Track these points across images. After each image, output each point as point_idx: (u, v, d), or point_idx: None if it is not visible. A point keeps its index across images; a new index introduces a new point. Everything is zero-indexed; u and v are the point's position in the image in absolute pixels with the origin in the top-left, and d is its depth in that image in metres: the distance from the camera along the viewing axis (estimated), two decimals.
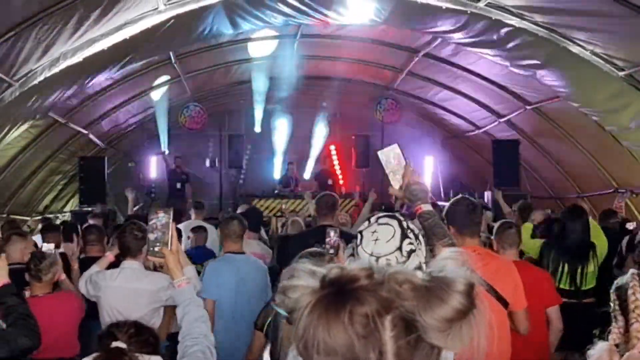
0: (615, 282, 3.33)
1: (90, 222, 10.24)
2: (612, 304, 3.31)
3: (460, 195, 5.04)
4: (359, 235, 2.86)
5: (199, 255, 8.53)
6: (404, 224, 2.86)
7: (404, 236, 2.80)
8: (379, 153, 3.47)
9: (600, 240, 7.42)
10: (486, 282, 4.32)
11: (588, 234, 7.20)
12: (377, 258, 2.75)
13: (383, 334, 1.30)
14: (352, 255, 2.92)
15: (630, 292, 3.18)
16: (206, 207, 12.70)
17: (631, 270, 3.37)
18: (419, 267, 2.77)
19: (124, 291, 5.66)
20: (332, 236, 4.99)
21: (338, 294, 1.33)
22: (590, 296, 7.09)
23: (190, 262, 8.68)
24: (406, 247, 2.78)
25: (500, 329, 4.21)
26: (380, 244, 2.78)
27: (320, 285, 1.36)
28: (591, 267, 7.07)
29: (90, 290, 5.84)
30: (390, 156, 3.41)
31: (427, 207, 3.23)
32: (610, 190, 12.52)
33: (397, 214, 2.96)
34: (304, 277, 1.39)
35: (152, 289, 5.69)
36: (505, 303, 4.40)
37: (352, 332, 1.29)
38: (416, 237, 2.86)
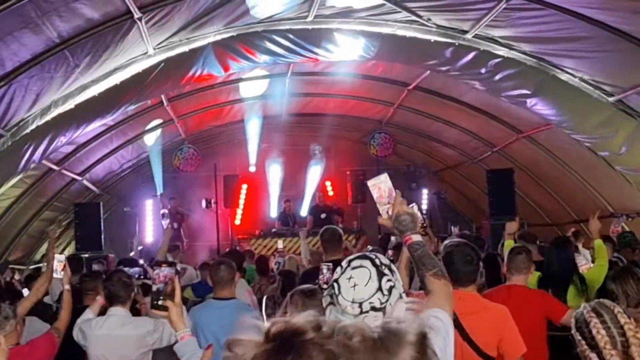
0: (572, 321, 3.39)
1: (95, 267, 10.26)
2: (578, 345, 3.35)
3: (456, 241, 4.96)
4: (335, 285, 2.80)
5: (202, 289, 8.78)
6: (377, 261, 2.81)
7: (381, 275, 2.75)
8: (369, 183, 3.44)
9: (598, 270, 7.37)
10: (467, 334, 4.29)
11: (572, 266, 7.18)
12: (360, 304, 2.68)
13: None
14: (332, 303, 2.85)
15: (594, 331, 3.30)
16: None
17: (583, 305, 3.43)
18: (400, 298, 2.75)
19: (110, 339, 5.59)
20: (325, 273, 4.95)
21: (281, 348, 1.28)
22: None
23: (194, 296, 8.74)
24: (385, 285, 2.73)
25: None
26: (360, 289, 2.71)
27: (264, 339, 1.30)
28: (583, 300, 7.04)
29: (80, 339, 5.79)
30: (380, 186, 3.39)
31: (416, 238, 3.17)
32: (607, 215, 12.49)
33: (367, 253, 2.93)
34: (248, 332, 1.34)
35: (139, 334, 5.63)
36: (480, 353, 4.34)
37: None
38: (391, 271, 2.82)
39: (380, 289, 2.71)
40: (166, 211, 18.02)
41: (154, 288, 3.58)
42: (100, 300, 6.13)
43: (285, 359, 1.25)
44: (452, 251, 4.70)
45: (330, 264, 5.45)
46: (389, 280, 2.76)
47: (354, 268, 2.80)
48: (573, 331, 3.44)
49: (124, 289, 5.76)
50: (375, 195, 3.36)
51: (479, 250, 5.30)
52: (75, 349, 6.23)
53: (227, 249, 14.96)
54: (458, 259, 4.63)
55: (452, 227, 15.03)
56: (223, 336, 6.20)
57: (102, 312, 6.04)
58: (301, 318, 1.33)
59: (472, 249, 4.78)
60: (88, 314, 6.01)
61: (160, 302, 3.56)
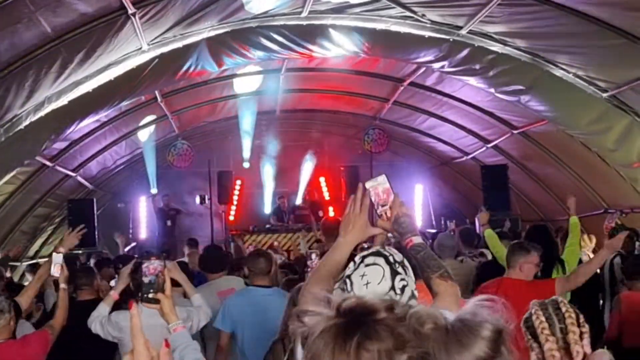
0: (523, 317, 3.46)
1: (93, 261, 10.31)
2: (525, 336, 3.42)
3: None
4: (347, 281, 2.77)
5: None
6: (391, 258, 2.78)
7: (395, 273, 2.72)
8: (366, 185, 3.37)
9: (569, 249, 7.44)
10: None
11: (552, 250, 7.22)
12: None
13: None
14: None
15: (534, 317, 3.41)
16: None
17: (533, 302, 3.51)
18: (412, 297, 2.73)
19: (149, 329, 5.61)
20: (314, 259, 4.97)
21: (350, 324, 1.27)
22: None
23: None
24: (398, 285, 2.70)
25: None
26: (372, 287, 2.68)
27: (335, 314, 1.30)
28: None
29: (111, 331, 5.85)
30: (378, 187, 3.33)
31: (417, 240, 3.09)
32: (600, 211, 12.52)
33: (380, 249, 2.89)
34: (319, 304, 1.33)
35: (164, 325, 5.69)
36: None
37: None
38: (404, 268, 2.79)
39: (393, 287, 2.68)
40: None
41: (145, 281, 3.57)
42: (114, 294, 6.15)
43: (353, 336, 1.25)
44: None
45: (317, 250, 5.50)
46: (402, 279, 2.73)
47: (367, 265, 2.76)
48: (521, 324, 3.50)
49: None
50: (373, 197, 3.31)
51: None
52: (71, 347, 6.25)
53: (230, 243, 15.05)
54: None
55: (448, 223, 15.03)
56: (262, 321, 6.28)
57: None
58: (374, 297, 1.33)
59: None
60: (104, 308, 6.03)
61: (151, 295, 3.55)
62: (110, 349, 6.31)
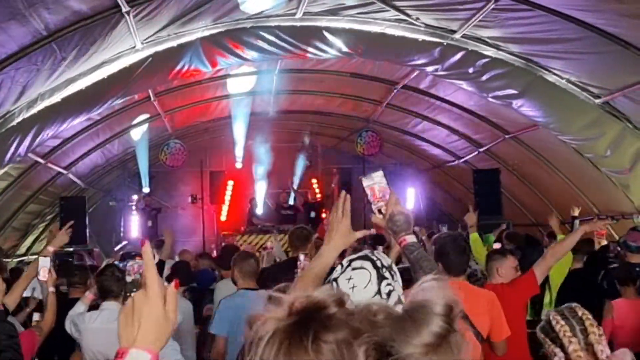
0: (538, 326, 3.51)
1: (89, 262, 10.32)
2: (544, 344, 3.47)
3: (448, 232, 5.04)
4: (334, 284, 2.76)
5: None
6: (378, 263, 2.75)
7: (381, 278, 2.70)
8: (363, 182, 3.33)
9: (559, 269, 7.43)
10: (469, 320, 4.33)
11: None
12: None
13: None
14: None
15: (553, 322, 3.47)
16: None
17: (546, 311, 3.57)
18: (399, 302, 2.72)
19: (103, 332, 5.58)
20: (303, 260, 4.99)
21: (303, 322, 1.27)
22: None
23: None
24: (384, 289, 2.68)
25: None
26: (358, 292, 2.64)
27: (287, 314, 1.29)
28: (546, 298, 7.11)
29: (73, 331, 5.83)
30: (374, 184, 3.31)
31: (411, 239, 3.11)
32: (591, 217, 12.55)
33: (368, 253, 2.88)
34: (270, 307, 1.32)
35: None
36: (481, 338, 4.41)
37: None
38: (391, 273, 2.77)
39: (379, 292, 2.66)
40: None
41: (129, 280, 3.57)
42: (89, 295, 6.14)
43: (308, 333, 1.25)
44: (446, 243, 4.78)
45: (307, 253, 5.49)
46: (388, 284, 2.70)
47: (354, 269, 2.74)
48: (538, 333, 3.54)
49: (116, 283, 5.73)
50: (369, 193, 3.29)
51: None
52: (64, 345, 6.25)
53: (222, 244, 15.01)
54: (452, 249, 4.71)
55: (441, 227, 15.03)
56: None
57: (94, 307, 6.07)
58: (322, 293, 1.32)
59: (465, 240, 4.87)
60: (79, 306, 6.04)
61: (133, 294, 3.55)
62: None
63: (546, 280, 7.14)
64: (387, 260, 2.81)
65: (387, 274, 2.73)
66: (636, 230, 9.43)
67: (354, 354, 1.23)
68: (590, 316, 3.48)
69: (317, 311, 1.28)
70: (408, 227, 3.15)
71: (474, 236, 8.04)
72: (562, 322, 3.45)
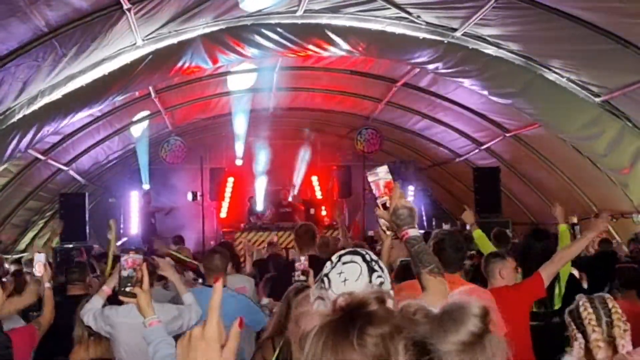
0: (567, 309, 3.54)
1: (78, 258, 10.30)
2: (569, 327, 3.51)
3: (447, 230, 5.06)
4: (325, 279, 2.79)
5: None
6: (367, 257, 2.80)
7: (371, 270, 2.74)
8: (368, 177, 3.34)
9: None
10: None
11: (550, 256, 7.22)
12: None
13: (396, 358, 1.29)
14: (320, 298, 2.82)
15: (581, 309, 3.54)
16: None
17: (579, 295, 3.59)
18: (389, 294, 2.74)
19: (139, 326, 5.62)
20: (302, 261, 5.02)
21: (347, 317, 1.33)
22: (557, 317, 7.06)
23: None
24: (376, 281, 2.72)
25: None
26: (350, 284, 2.69)
27: (332, 311, 1.36)
28: (556, 290, 7.08)
29: (103, 326, 5.82)
30: (379, 180, 3.31)
31: (414, 233, 3.07)
32: (591, 216, 12.55)
33: (357, 249, 2.91)
34: (314, 304, 1.42)
35: (166, 320, 5.68)
36: None
37: (362, 354, 1.29)
38: (380, 267, 2.82)
39: (370, 284, 2.71)
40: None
41: (124, 274, 3.57)
42: (106, 289, 6.12)
43: (354, 325, 1.31)
44: (444, 239, 4.79)
45: (306, 255, 5.53)
46: (379, 276, 2.75)
47: (344, 263, 2.78)
48: (566, 316, 3.58)
49: (149, 276, 5.76)
50: (374, 188, 3.30)
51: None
52: (63, 342, 6.25)
53: (220, 241, 15.02)
54: (449, 245, 4.73)
55: (444, 225, 15.05)
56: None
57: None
58: (365, 291, 1.39)
59: (462, 236, 4.88)
60: (98, 301, 5.99)
61: (128, 289, 3.55)
62: None
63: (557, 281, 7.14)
64: (375, 256, 2.86)
65: (376, 267, 2.78)
66: None
67: (395, 348, 1.29)
68: (619, 310, 3.53)
69: (361, 308, 1.35)
70: (412, 220, 3.15)
71: (478, 233, 8.01)
72: (590, 310, 3.52)
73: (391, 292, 2.79)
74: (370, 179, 3.28)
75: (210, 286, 6.44)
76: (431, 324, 1.33)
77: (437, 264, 3.05)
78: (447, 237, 4.87)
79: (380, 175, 3.27)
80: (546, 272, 6.00)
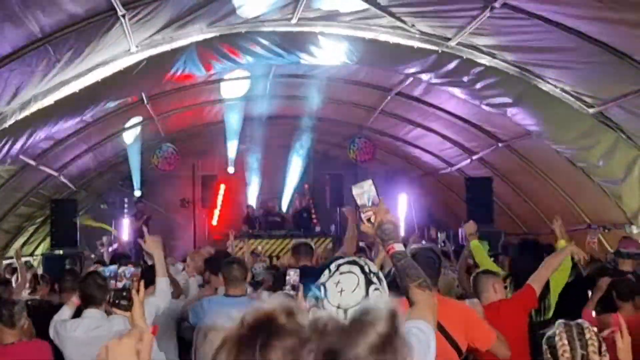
0: (546, 335, 3.51)
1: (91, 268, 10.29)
2: (544, 354, 3.47)
3: (420, 245, 5.04)
4: (322, 288, 2.76)
5: None
6: (366, 268, 2.77)
7: (369, 282, 2.72)
8: (353, 190, 3.35)
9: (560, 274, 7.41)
10: (444, 329, 4.32)
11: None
12: (345, 310, 2.65)
13: None
14: (315, 306, 2.80)
15: (557, 338, 3.52)
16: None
17: (558, 322, 3.55)
18: None
19: (85, 340, 5.54)
20: (292, 275, 5.03)
21: (253, 331, 1.33)
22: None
23: None
24: (372, 294, 2.70)
25: None
26: (347, 295, 2.68)
27: (239, 325, 1.35)
28: (546, 301, 7.08)
29: (55, 338, 5.76)
30: (363, 193, 3.32)
31: (399, 247, 3.11)
32: (583, 227, 12.55)
33: (356, 259, 2.88)
34: (225, 322, 1.38)
35: (114, 334, 5.61)
36: (456, 347, 4.39)
37: None
38: (378, 279, 2.79)
39: (367, 296, 2.68)
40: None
41: (119, 286, 3.53)
42: (75, 300, 6.07)
43: (257, 341, 1.30)
44: (416, 254, 4.75)
45: (297, 268, 5.54)
46: (376, 289, 2.72)
47: (342, 273, 2.75)
48: (543, 341, 3.55)
49: (99, 290, 5.69)
50: (358, 201, 3.30)
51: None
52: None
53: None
54: (422, 261, 4.69)
55: (439, 234, 15.00)
56: None
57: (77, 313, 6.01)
58: (273, 302, 1.38)
59: (435, 252, 4.87)
60: (65, 312, 5.95)
61: (123, 302, 3.50)
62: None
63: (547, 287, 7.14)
64: (374, 267, 2.84)
65: (374, 279, 2.76)
66: (628, 238, 9.43)
67: (304, 358, 1.29)
68: (597, 342, 3.47)
69: (267, 321, 1.34)
70: (397, 235, 3.16)
71: (474, 244, 8.01)
72: (565, 341, 3.47)
73: (390, 302, 2.75)
74: (354, 192, 3.29)
75: (229, 296, 6.41)
76: (340, 332, 1.32)
77: (426, 278, 3.04)
78: (419, 252, 4.84)
79: (365, 188, 3.28)
80: (537, 283, 6.03)
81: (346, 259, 2.87)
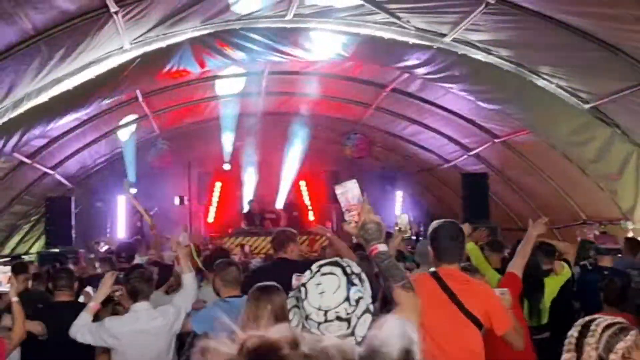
0: (581, 321, 3.38)
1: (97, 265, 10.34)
2: (569, 338, 3.32)
3: (446, 220, 4.89)
4: (302, 289, 2.73)
5: None
6: (348, 269, 2.73)
7: (350, 284, 2.67)
8: (336, 190, 3.31)
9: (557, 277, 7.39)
10: (462, 304, 4.28)
11: (537, 271, 7.16)
12: (326, 312, 2.61)
13: None
14: (296, 307, 2.77)
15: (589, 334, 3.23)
16: None
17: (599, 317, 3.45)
18: (367, 311, 2.68)
19: (144, 333, 5.77)
20: (297, 276, 5.01)
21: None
22: (546, 331, 7.05)
23: None
24: (354, 296, 2.65)
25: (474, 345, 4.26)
26: (327, 297, 2.63)
27: (238, 353, 1.25)
28: (541, 305, 7.07)
29: (105, 338, 5.79)
30: (347, 192, 3.29)
31: (382, 248, 3.08)
32: (579, 222, 12.56)
33: (338, 260, 2.84)
34: (223, 341, 1.28)
35: (168, 322, 5.89)
36: (479, 324, 4.35)
37: None
38: (361, 280, 2.75)
39: (348, 299, 2.63)
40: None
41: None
42: (94, 305, 6.03)
43: None
44: (438, 228, 4.67)
45: (302, 275, 5.51)
46: (358, 290, 2.68)
47: (323, 274, 2.71)
48: (577, 324, 3.44)
49: (147, 283, 5.98)
50: (342, 201, 3.27)
51: None
52: (48, 346, 6.19)
53: (210, 248, 14.92)
54: (444, 235, 4.60)
55: None
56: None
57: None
58: (277, 332, 1.28)
59: (458, 227, 4.75)
60: (86, 317, 5.91)
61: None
62: (89, 348, 6.18)
63: (541, 285, 7.12)
64: (357, 268, 2.80)
65: (356, 281, 2.72)
66: (605, 233, 9.42)
67: None
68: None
69: (269, 352, 1.24)
70: (379, 236, 3.13)
71: (470, 245, 7.97)
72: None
73: (370, 306, 2.72)
74: (338, 191, 3.26)
75: (226, 300, 6.35)
76: None
77: (409, 279, 3.02)
78: (441, 226, 4.73)
79: (348, 187, 3.25)
80: (517, 269, 5.99)
81: (328, 260, 2.83)
